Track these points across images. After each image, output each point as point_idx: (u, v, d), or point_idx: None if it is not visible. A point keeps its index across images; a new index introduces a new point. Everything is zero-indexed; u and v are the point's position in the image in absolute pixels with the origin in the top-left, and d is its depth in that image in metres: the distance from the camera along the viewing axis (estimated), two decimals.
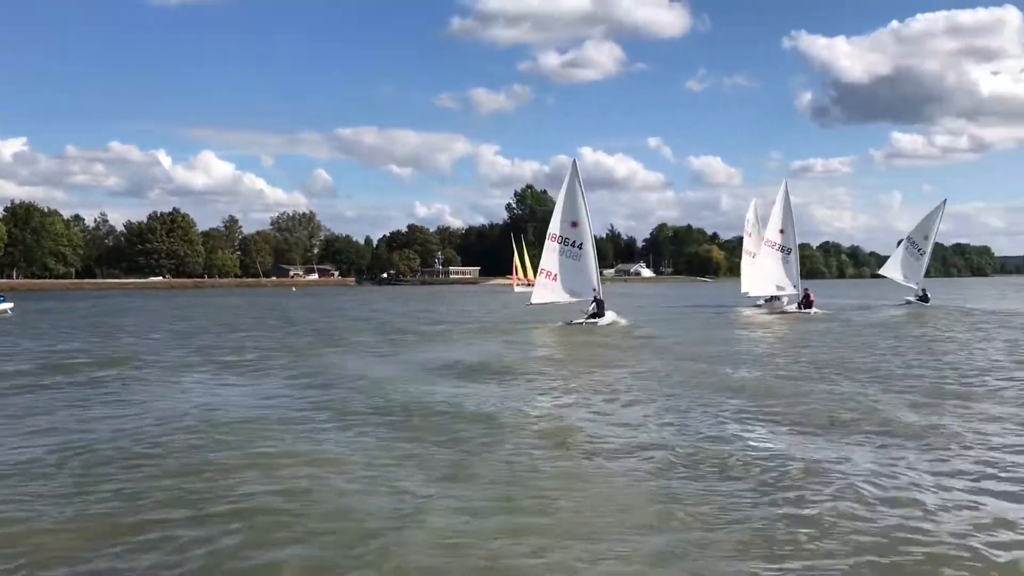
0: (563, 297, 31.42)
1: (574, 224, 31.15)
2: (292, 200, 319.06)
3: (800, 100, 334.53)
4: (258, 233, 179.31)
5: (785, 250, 42.77)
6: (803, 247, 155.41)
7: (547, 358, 21.74)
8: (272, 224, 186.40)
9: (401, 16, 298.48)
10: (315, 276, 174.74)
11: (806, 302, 41.17)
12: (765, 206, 48.39)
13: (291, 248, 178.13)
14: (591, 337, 27.27)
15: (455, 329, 32.41)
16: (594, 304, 30.75)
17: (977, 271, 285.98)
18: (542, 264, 31.59)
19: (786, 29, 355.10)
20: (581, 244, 31.17)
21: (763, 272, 43.29)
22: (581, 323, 30.16)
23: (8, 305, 46.15)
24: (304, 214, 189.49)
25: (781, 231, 42.88)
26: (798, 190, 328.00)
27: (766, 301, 44.71)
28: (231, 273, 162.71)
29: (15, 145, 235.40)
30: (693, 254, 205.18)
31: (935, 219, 48.74)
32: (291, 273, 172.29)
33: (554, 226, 31.65)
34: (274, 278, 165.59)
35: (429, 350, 23.49)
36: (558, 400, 14.27)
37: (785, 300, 43.18)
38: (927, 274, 49.03)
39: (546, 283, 31.37)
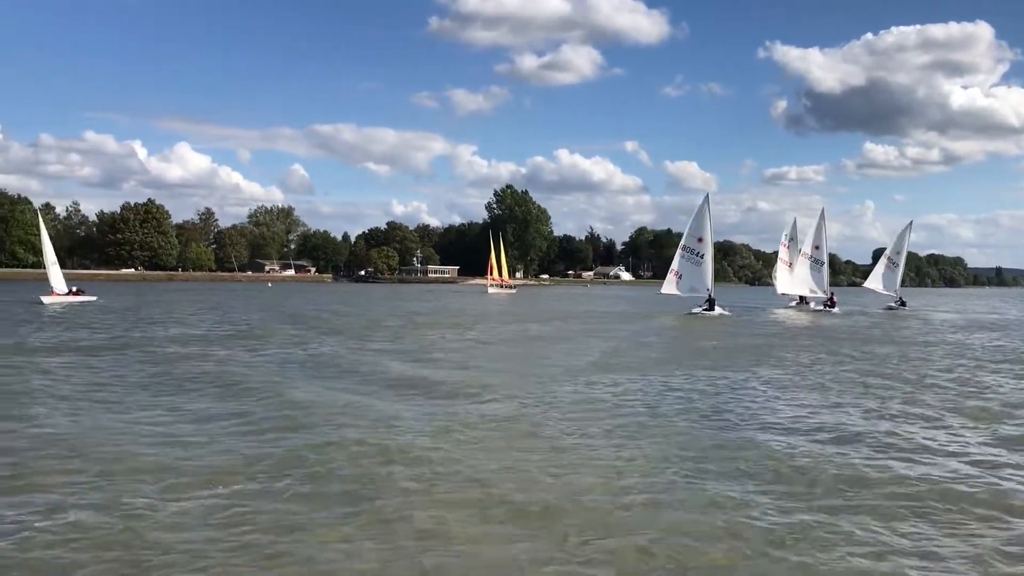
0: (683, 291, 46.35)
1: (700, 240, 46.14)
2: (269, 195, 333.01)
3: (774, 109, 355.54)
4: (234, 227, 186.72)
5: (818, 263, 58.63)
6: None
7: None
8: (249, 218, 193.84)
9: (378, 14, 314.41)
10: (291, 272, 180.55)
11: (831, 303, 57.37)
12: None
13: (267, 243, 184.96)
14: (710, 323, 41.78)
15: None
16: (708, 301, 45.43)
17: (950, 282, 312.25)
18: (672, 266, 47.07)
19: (761, 39, 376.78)
20: (703, 255, 46.01)
21: (800, 279, 59.08)
22: (697, 313, 44.77)
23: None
24: (282, 208, 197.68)
25: (816, 247, 58.63)
26: (771, 196, 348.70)
27: (799, 302, 60.32)
28: (205, 267, 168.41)
29: None
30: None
31: (905, 237, 64.51)
32: (267, 268, 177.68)
33: (685, 239, 46.97)
34: (249, 272, 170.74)
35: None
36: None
37: (812, 303, 58.99)
38: (903, 283, 65.20)
39: (672, 280, 46.64)
